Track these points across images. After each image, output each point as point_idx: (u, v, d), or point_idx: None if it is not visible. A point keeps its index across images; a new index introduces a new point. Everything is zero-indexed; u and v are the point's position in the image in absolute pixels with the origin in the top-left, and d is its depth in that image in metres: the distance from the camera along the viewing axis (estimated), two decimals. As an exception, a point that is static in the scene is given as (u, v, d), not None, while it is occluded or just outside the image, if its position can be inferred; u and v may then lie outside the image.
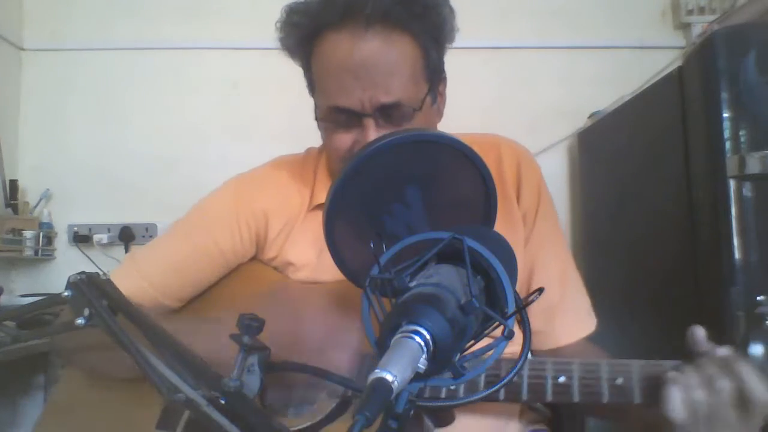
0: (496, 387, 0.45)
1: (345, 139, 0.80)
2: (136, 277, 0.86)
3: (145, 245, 0.95)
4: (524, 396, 0.69)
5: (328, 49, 0.78)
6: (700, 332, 0.66)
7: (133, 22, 2.25)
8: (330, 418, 0.70)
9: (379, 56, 0.76)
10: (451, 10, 0.83)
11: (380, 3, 0.74)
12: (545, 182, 0.94)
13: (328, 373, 0.63)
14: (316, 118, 0.84)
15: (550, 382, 0.68)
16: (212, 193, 0.95)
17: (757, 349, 0.62)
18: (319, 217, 0.91)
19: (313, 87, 0.85)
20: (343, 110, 0.78)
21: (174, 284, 0.88)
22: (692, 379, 0.62)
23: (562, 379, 0.68)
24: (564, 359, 0.70)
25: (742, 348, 0.62)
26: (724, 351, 0.64)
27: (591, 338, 0.90)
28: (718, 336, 0.66)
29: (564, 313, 0.89)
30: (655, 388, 0.64)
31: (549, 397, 0.68)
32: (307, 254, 0.89)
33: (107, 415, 0.80)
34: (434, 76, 0.83)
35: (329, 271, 0.87)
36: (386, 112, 0.78)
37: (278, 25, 0.82)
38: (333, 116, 0.80)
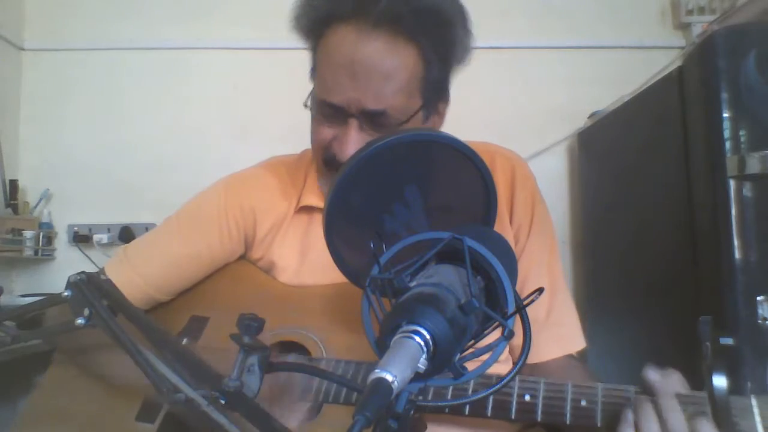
0: (497, 387, 0.45)
1: (326, 133, 0.82)
2: (129, 272, 0.89)
3: (136, 240, 0.98)
4: (489, 411, 0.69)
5: (333, 41, 0.79)
6: (652, 375, 0.65)
7: (133, 22, 2.25)
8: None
9: (379, 58, 0.76)
10: (467, 33, 0.83)
11: (394, 5, 0.75)
12: (540, 193, 0.93)
13: (327, 373, 0.63)
14: (306, 104, 0.85)
15: (515, 399, 0.68)
16: (203, 191, 0.97)
17: (720, 380, 0.61)
18: (304, 218, 0.92)
19: (314, 72, 0.86)
20: (332, 106, 0.80)
21: (165, 279, 0.91)
22: (649, 415, 0.61)
23: (527, 397, 0.68)
24: (531, 378, 0.70)
25: (706, 376, 0.61)
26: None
27: (583, 354, 0.88)
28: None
29: (549, 329, 0.88)
30: (616, 414, 0.64)
31: (513, 415, 0.68)
32: (291, 256, 0.91)
33: (80, 424, 0.82)
34: (431, 93, 0.83)
35: (312, 274, 0.88)
36: (371, 118, 0.79)
37: (297, 2, 0.83)
38: (321, 108, 0.82)
